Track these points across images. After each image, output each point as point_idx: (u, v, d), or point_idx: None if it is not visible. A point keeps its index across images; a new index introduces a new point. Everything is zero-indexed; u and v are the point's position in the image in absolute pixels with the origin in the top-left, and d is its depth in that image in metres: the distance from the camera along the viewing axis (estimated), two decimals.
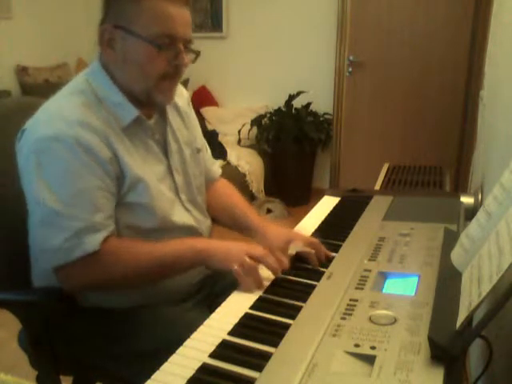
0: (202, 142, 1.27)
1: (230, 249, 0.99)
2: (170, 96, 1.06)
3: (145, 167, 1.05)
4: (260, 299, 0.89)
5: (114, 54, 1.01)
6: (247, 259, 0.95)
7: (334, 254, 1.05)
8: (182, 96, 1.22)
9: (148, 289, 1.07)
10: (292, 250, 1.07)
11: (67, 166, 0.94)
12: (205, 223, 1.21)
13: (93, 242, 0.94)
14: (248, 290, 0.93)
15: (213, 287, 1.22)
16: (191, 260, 1.01)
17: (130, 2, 0.97)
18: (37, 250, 1.00)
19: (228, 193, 1.33)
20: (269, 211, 3.46)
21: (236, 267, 0.94)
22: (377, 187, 1.84)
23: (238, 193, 1.34)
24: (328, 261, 1.02)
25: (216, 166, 1.35)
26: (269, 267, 0.96)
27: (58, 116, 0.96)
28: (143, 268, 0.99)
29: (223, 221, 1.29)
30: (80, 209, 0.94)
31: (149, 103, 1.06)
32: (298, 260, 1.05)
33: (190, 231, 1.14)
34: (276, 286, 0.95)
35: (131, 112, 1.03)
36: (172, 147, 1.13)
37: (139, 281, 1.03)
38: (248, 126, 3.70)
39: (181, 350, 0.74)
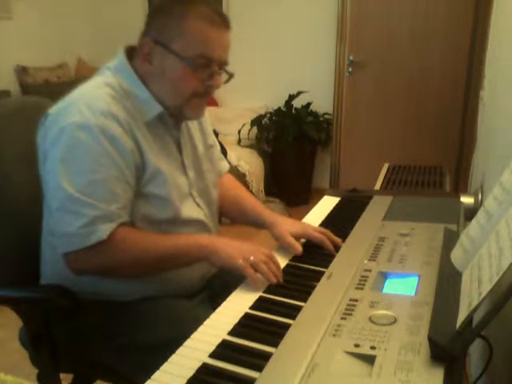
0: (213, 139, 1.31)
1: (233, 247, 1.00)
2: (200, 112, 1.11)
3: (163, 161, 1.08)
4: (260, 299, 0.89)
5: (151, 67, 1.05)
6: (252, 257, 0.96)
7: (340, 242, 1.12)
8: None
9: (155, 281, 1.09)
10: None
11: (90, 154, 0.96)
12: (214, 219, 1.24)
13: (107, 229, 0.96)
14: (256, 284, 0.94)
15: (217, 287, 1.22)
16: (195, 255, 1.03)
17: (174, 21, 1.01)
18: (55, 234, 1.01)
19: (235, 186, 1.37)
20: None
21: (241, 262, 0.96)
22: (377, 187, 1.84)
23: (243, 187, 1.38)
24: (336, 250, 1.07)
25: (224, 162, 1.38)
26: (265, 273, 0.95)
27: (84, 105, 0.98)
28: (149, 259, 1.02)
29: (230, 213, 1.33)
30: (97, 197, 0.96)
31: (179, 116, 1.10)
32: (300, 260, 1.06)
33: (200, 225, 1.17)
34: (276, 285, 0.95)
35: (155, 107, 1.06)
36: (185, 144, 1.16)
37: (144, 270, 1.05)
38: (248, 126, 3.70)
39: (181, 349, 0.74)
